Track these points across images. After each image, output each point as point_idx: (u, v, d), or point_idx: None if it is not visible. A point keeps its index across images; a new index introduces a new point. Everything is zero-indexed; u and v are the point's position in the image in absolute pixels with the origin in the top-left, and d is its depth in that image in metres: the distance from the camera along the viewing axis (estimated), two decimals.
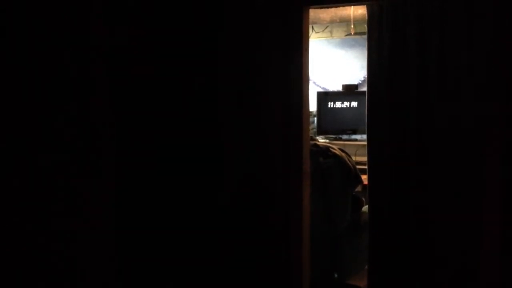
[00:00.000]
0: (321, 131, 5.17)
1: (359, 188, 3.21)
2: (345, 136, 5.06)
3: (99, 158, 2.11)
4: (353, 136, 5.01)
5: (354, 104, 5.05)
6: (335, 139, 5.02)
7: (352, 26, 4.54)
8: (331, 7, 3.01)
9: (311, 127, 5.21)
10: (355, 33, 4.64)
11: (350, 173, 2.95)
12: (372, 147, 2.72)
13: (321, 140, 4.75)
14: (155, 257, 2.38)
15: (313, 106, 5.23)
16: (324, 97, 5.29)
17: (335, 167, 2.91)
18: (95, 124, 2.08)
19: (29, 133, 1.84)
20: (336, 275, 3.05)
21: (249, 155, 2.51)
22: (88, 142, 2.05)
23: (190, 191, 2.50)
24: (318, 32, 5.15)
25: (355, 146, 4.73)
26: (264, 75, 2.49)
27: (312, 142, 2.89)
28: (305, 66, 2.49)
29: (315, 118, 5.19)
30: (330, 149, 2.96)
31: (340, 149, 3.09)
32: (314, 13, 4.45)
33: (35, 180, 1.85)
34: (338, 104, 5.18)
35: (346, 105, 5.13)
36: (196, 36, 2.52)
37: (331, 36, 5.19)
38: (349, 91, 5.12)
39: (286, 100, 2.47)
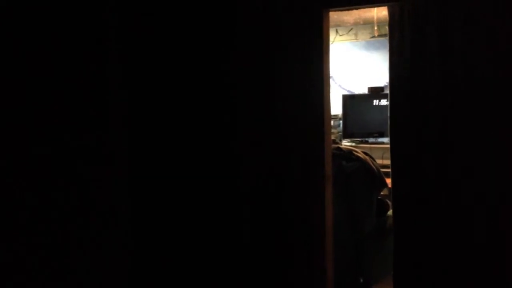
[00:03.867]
0: (347, 134, 5.13)
1: (385, 192, 3.17)
2: (371, 139, 5.01)
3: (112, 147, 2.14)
4: (380, 139, 4.96)
5: (380, 106, 5.00)
6: (361, 142, 4.98)
7: (375, 28, 4.50)
8: (351, 9, 2.99)
9: (336, 130, 5.18)
10: (379, 35, 4.60)
11: (374, 176, 2.91)
12: (395, 149, 2.67)
13: (347, 144, 4.72)
14: (170, 255, 2.38)
15: (338, 110, 5.22)
16: (350, 100, 5.25)
17: (359, 170, 2.87)
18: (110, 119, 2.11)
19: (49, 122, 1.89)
20: (361, 280, 3.01)
21: (268, 159, 2.50)
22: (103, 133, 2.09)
23: (206, 198, 2.49)
24: (343, 35, 5.12)
25: (382, 149, 4.68)
26: (284, 78, 2.48)
27: (335, 146, 2.86)
28: (326, 68, 2.48)
29: (341, 122, 5.16)
30: (353, 152, 2.93)
31: (364, 152, 3.05)
32: (338, 16, 4.43)
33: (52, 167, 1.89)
34: (364, 107, 5.14)
35: (372, 108, 5.09)
36: (215, 39, 2.53)
37: (356, 39, 5.15)
38: (375, 93, 5.08)
39: (307, 103, 2.45)
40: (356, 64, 5.26)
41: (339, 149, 2.92)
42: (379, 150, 4.64)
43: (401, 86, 2.65)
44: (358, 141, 5.02)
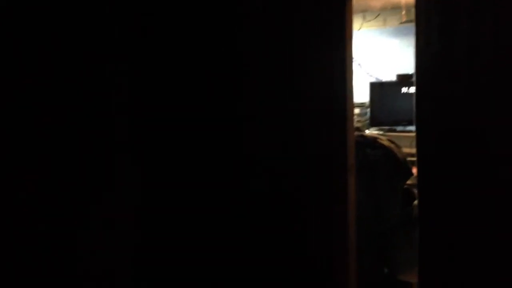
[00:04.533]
0: (374, 122, 5.04)
1: (413, 181, 3.09)
2: (399, 128, 4.90)
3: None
4: (408, 128, 4.85)
5: (409, 94, 4.89)
6: (389, 130, 4.87)
7: (403, 12, 4.39)
8: None
9: (363, 119, 5.09)
10: (407, 21, 4.48)
11: (399, 164, 2.83)
12: (421, 137, 2.60)
13: (374, 132, 4.63)
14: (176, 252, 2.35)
15: (366, 98, 5.13)
16: (378, 87, 5.16)
17: (383, 158, 2.80)
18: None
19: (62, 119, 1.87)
20: (386, 271, 2.95)
21: (287, 148, 2.45)
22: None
23: (216, 194, 2.43)
24: (370, 21, 5.01)
25: (410, 138, 4.57)
26: (304, 65, 2.42)
27: (359, 133, 2.79)
28: (348, 55, 2.41)
29: (368, 110, 5.08)
30: (378, 139, 2.86)
31: (389, 140, 2.97)
32: (364, 1, 4.33)
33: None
34: (392, 95, 5.04)
35: (401, 96, 4.99)
36: (229, 27, 2.47)
37: (384, 25, 5.04)
38: (403, 80, 4.96)
39: (328, 90, 2.39)
40: (384, 51, 5.16)
41: (363, 136, 2.85)
42: (407, 139, 4.53)
43: (427, 73, 2.57)
44: (386, 130, 4.91)
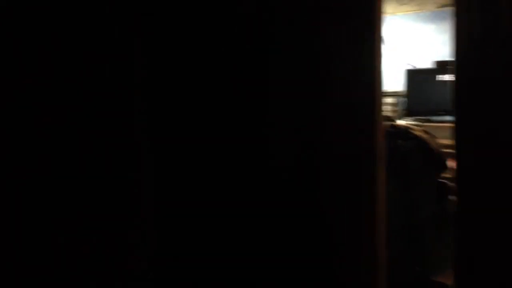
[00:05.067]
0: (410, 112, 4.84)
1: (450, 174, 2.92)
2: (437, 118, 4.68)
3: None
4: (446, 118, 4.62)
5: (448, 82, 4.66)
6: (426, 121, 4.66)
7: None
8: None
9: (398, 108, 4.90)
10: (445, 5, 4.26)
11: (433, 157, 2.66)
12: (460, 128, 2.43)
13: (408, 122, 4.45)
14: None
15: (400, 86, 4.95)
16: (414, 75, 4.94)
17: (416, 150, 2.63)
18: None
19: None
20: (419, 270, 2.79)
21: (311, 140, 2.30)
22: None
23: (239, 189, 2.30)
24: (405, 5, 4.80)
25: (449, 129, 4.36)
26: (327, 53, 2.27)
27: (389, 124, 2.63)
28: (377, 41, 2.25)
29: (403, 99, 4.89)
30: (410, 130, 2.68)
31: (424, 130, 2.79)
32: None
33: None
34: (430, 83, 4.83)
35: (439, 84, 4.77)
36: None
37: (420, 9, 4.83)
38: (441, 67, 4.74)
39: (355, 79, 2.24)
40: (420, 37, 4.96)
41: (394, 127, 2.68)
42: (445, 130, 4.31)
43: (467, 59, 2.40)
44: (422, 120, 4.70)
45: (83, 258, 1.86)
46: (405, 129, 2.70)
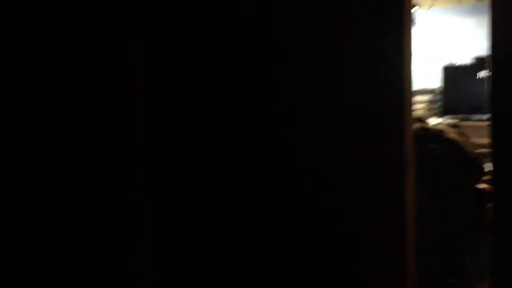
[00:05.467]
0: (447, 110, 4.65)
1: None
2: (476, 116, 4.48)
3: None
4: (486, 116, 4.42)
5: (487, 78, 4.46)
6: (464, 119, 4.46)
7: None
8: None
9: (434, 106, 4.72)
10: None
11: (469, 161, 2.50)
12: (497, 129, 2.28)
13: (445, 121, 4.27)
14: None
15: (437, 83, 4.78)
16: (452, 72, 4.76)
17: (450, 154, 2.47)
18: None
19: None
20: (454, 282, 2.64)
21: (334, 143, 2.18)
22: None
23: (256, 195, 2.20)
24: None
25: (488, 127, 4.16)
26: (351, 49, 2.14)
27: (420, 125, 2.48)
28: (406, 36, 2.11)
29: (440, 96, 4.71)
30: (443, 133, 2.53)
31: (458, 132, 2.63)
32: None
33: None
34: (468, 80, 4.64)
35: (478, 81, 4.58)
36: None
37: (459, 3, 4.64)
38: (481, 63, 4.54)
39: (382, 78, 2.11)
40: (459, 32, 4.77)
41: (426, 129, 2.53)
42: (484, 129, 4.11)
43: (506, 54, 2.24)
44: (460, 118, 4.50)
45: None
46: (438, 132, 2.54)
